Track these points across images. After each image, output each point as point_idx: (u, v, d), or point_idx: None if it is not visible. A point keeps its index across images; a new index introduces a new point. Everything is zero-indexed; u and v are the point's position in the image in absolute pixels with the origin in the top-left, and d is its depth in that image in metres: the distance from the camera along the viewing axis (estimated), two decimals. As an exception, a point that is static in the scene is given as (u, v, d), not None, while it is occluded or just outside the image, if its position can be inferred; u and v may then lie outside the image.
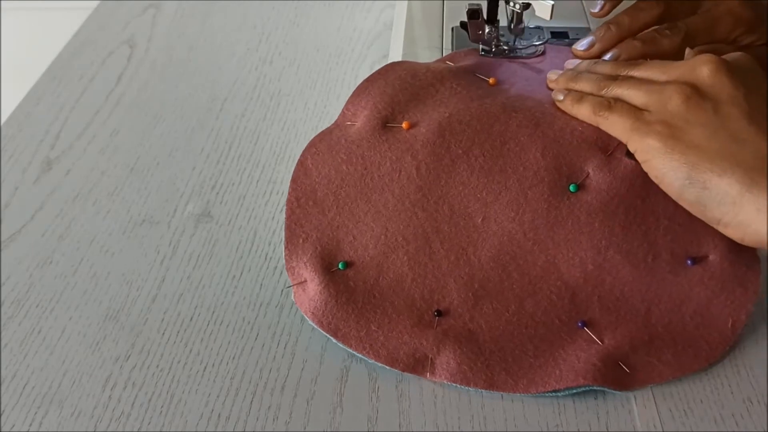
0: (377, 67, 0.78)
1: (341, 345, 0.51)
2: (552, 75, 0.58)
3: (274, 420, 0.48)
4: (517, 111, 0.55)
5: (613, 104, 0.52)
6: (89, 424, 0.48)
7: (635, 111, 0.51)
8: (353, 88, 0.75)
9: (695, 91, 0.49)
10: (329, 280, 0.52)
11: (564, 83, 0.56)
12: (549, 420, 0.48)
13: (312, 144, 0.56)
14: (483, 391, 0.49)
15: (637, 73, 0.53)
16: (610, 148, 0.53)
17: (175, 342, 0.53)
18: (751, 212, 0.45)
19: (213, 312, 0.55)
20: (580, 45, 0.59)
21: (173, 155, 0.69)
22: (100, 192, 0.65)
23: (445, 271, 0.52)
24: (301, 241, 0.54)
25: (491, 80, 0.58)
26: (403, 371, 0.50)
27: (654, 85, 0.51)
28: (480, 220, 0.52)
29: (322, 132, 0.57)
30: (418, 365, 0.50)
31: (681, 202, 0.49)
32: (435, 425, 0.48)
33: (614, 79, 0.53)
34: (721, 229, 0.48)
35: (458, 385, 0.49)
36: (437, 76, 0.58)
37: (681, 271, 0.51)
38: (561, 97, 0.55)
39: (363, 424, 0.48)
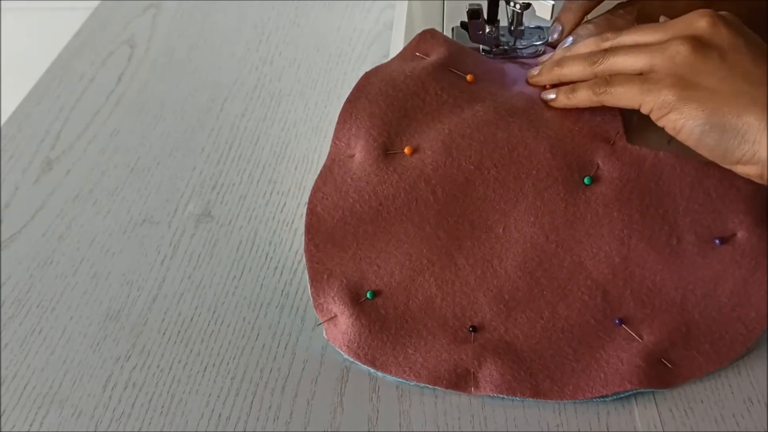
0: (377, 67, 0.79)
1: (380, 374, 0.50)
2: (532, 71, 0.58)
3: (274, 420, 0.48)
4: (512, 114, 0.54)
5: (611, 78, 0.52)
6: (90, 424, 0.48)
7: (637, 76, 0.51)
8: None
9: (699, 43, 0.49)
10: (360, 311, 0.51)
11: (548, 73, 0.56)
12: (549, 420, 0.48)
13: (317, 188, 0.55)
14: (483, 391, 0.49)
15: (628, 39, 0.53)
16: (611, 138, 0.53)
17: (175, 342, 0.53)
18: None
19: (213, 312, 0.55)
20: (553, 35, 0.60)
21: (173, 155, 0.69)
22: (101, 192, 0.65)
23: (473, 286, 0.52)
24: (325, 277, 0.52)
25: (469, 77, 0.57)
26: (447, 388, 0.49)
27: (653, 46, 0.51)
28: (501, 230, 0.52)
29: (323, 172, 0.55)
30: (461, 381, 0.49)
31: (700, 150, 0.49)
32: (435, 425, 0.48)
33: (604, 51, 0.53)
34: (739, 168, 0.48)
35: (504, 397, 0.49)
36: (417, 82, 0.56)
37: (710, 252, 0.51)
38: (552, 96, 0.55)
39: (363, 424, 0.48)
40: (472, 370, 0.49)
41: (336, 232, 0.53)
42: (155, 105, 0.75)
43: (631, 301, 0.51)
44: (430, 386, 0.49)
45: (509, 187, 0.53)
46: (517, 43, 0.63)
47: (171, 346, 0.53)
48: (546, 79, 0.56)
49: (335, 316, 0.52)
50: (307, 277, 0.53)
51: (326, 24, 0.86)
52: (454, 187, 0.53)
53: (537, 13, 0.60)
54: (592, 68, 0.53)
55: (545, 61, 0.58)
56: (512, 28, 0.63)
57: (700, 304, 0.51)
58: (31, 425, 0.48)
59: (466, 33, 0.63)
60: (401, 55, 0.60)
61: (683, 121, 0.49)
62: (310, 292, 0.53)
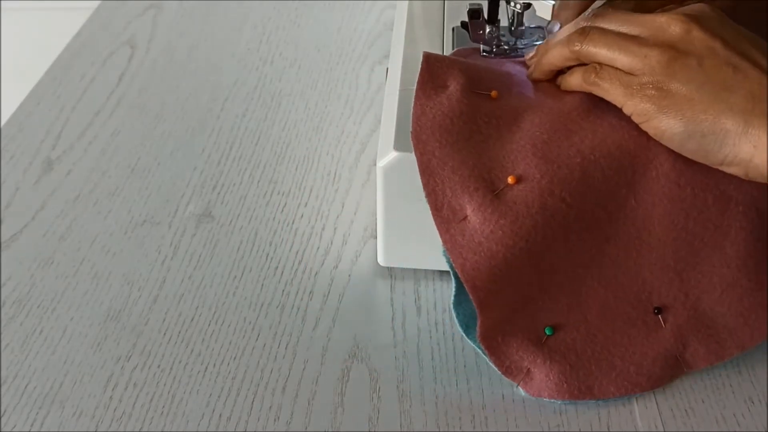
0: (378, 67, 0.79)
1: (602, 400, 0.49)
2: (529, 69, 0.58)
3: (275, 420, 0.48)
4: (564, 105, 0.54)
5: (600, 70, 0.52)
6: (90, 424, 0.48)
7: (623, 76, 0.51)
8: (354, 89, 0.76)
9: (676, 53, 0.49)
10: (549, 350, 0.50)
11: (539, 68, 0.56)
12: (550, 420, 0.48)
13: (462, 267, 0.50)
14: (484, 390, 0.49)
15: (604, 23, 0.53)
16: None
17: (176, 342, 0.53)
18: (749, 150, 0.47)
19: (214, 312, 0.55)
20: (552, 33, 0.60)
21: (174, 155, 0.69)
22: (101, 192, 0.65)
23: (635, 269, 0.51)
24: (500, 339, 0.50)
25: (493, 93, 0.56)
26: (666, 383, 0.49)
27: (631, 47, 0.51)
28: (633, 201, 0.51)
29: (452, 248, 0.51)
30: (675, 371, 0.49)
31: (683, 153, 0.50)
32: (436, 425, 0.48)
33: (581, 32, 0.53)
34: (724, 168, 0.49)
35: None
36: (464, 119, 0.53)
37: None
38: (558, 83, 0.56)
39: (364, 424, 0.48)
40: (676, 354, 0.48)
41: (502, 294, 0.51)
42: (156, 105, 0.75)
43: None
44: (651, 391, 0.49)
45: (618, 158, 0.51)
46: (517, 43, 0.63)
47: (172, 347, 0.53)
48: (538, 74, 0.56)
49: (528, 370, 0.50)
50: (483, 350, 0.50)
51: (327, 24, 0.86)
52: (576, 185, 0.51)
53: (538, 13, 0.60)
54: (572, 51, 0.53)
55: (533, 57, 0.58)
56: (513, 28, 0.63)
57: None
58: (32, 425, 0.48)
59: (467, 33, 0.63)
60: (423, 94, 0.56)
61: (663, 128, 0.49)
62: (492, 363, 0.50)
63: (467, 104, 0.54)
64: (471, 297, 0.49)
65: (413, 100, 0.55)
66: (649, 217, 0.51)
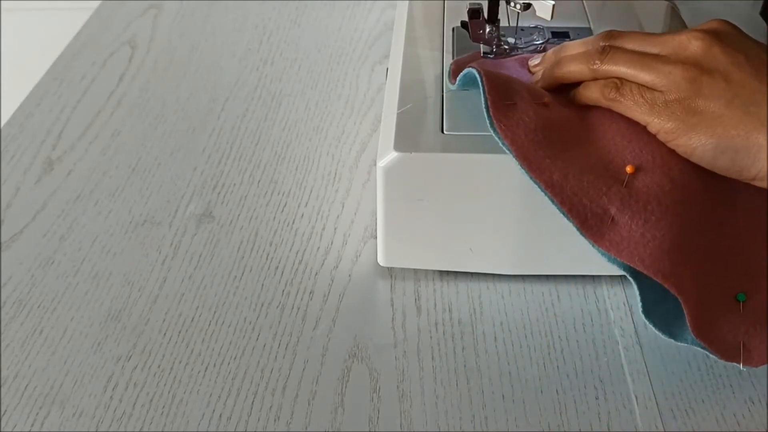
0: (378, 67, 0.79)
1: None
2: (535, 77, 0.57)
3: (275, 420, 0.48)
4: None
5: (621, 87, 0.51)
6: (91, 424, 0.48)
7: (646, 92, 0.51)
8: (354, 89, 0.76)
9: (700, 70, 0.49)
10: (752, 317, 0.49)
11: (549, 78, 0.56)
12: (550, 420, 0.48)
13: (643, 262, 0.49)
14: (484, 390, 0.49)
15: (625, 42, 0.53)
16: None
17: (176, 342, 0.53)
18: None
19: (214, 312, 0.55)
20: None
21: (174, 155, 0.69)
22: (102, 192, 0.65)
23: None
24: (710, 326, 0.49)
25: (545, 100, 0.55)
26: None
27: (653, 64, 0.50)
28: None
29: (616, 249, 0.50)
30: None
31: (715, 169, 0.49)
32: (436, 425, 0.48)
33: (601, 51, 0.53)
34: (757, 183, 0.49)
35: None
36: (551, 129, 0.53)
37: None
38: (570, 95, 0.55)
39: (364, 424, 0.48)
40: None
41: (687, 274, 0.50)
42: (156, 105, 0.75)
43: None
44: None
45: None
46: (517, 43, 0.63)
47: (172, 347, 0.53)
48: (545, 84, 0.56)
49: (743, 344, 0.49)
50: (701, 345, 0.49)
51: (327, 24, 0.86)
52: (695, 168, 0.51)
53: (537, 13, 0.59)
54: (591, 69, 0.53)
55: (538, 66, 0.57)
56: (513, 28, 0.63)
57: None
58: (32, 425, 0.48)
59: (467, 33, 0.63)
60: (503, 116, 0.53)
61: (694, 146, 0.49)
62: (713, 353, 0.49)
63: (542, 115, 0.53)
64: (666, 285, 0.49)
65: (495, 125, 0.52)
66: None
